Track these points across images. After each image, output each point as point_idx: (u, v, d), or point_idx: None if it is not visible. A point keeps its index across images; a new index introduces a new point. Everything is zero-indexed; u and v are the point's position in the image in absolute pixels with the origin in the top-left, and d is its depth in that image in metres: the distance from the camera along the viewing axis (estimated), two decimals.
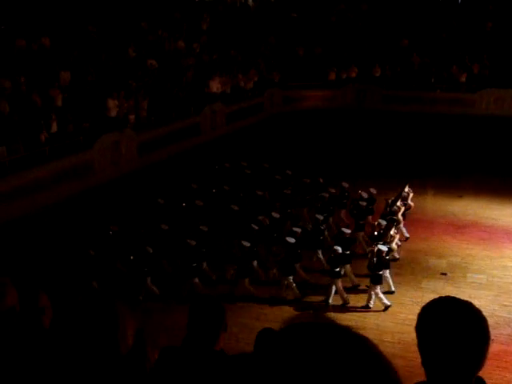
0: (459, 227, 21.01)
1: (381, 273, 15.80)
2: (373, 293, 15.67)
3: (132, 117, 22.01)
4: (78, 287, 15.48)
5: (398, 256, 18.59)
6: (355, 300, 15.92)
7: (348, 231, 17.45)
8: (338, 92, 31.30)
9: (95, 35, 25.19)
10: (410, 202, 21.01)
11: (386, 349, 13.20)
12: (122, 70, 23.97)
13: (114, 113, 21.04)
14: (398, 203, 19.94)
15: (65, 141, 19.08)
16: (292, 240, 16.63)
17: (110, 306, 2.83)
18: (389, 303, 15.55)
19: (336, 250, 16.01)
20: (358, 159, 27.82)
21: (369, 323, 14.38)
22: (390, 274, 16.41)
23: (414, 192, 21.64)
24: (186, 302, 4.94)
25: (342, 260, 16.20)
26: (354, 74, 31.42)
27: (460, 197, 24.05)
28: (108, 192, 19.80)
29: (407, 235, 20.20)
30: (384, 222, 18.15)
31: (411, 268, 17.81)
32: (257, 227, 17.96)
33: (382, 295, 15.65)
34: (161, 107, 23.45)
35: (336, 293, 15.93)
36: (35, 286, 4.14)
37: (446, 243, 19.67)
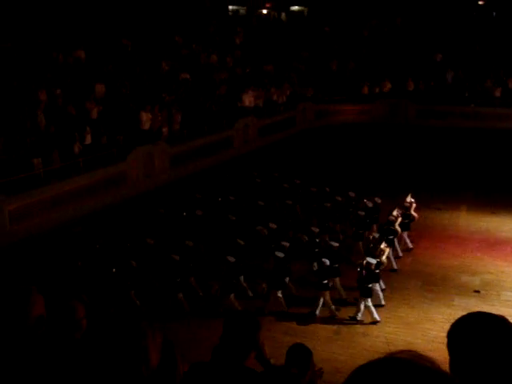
0: (493, 244, 20.70)
1: (370, 286, 15.76)
2: (362, 306, 15.61)
3: (165, 129, 22.18)
4: (112, 298, 15.60)
5: (395, 267, 18.56)
6: (389, 314, 15.75)
7: (336, 244, 17.36)
8: (370, 106, 31.18)
9: (130, 49, 25.52)
10: (412, 212, 20.77)
11: None
12: (156, 84, 24.21)
13: (147, 126, 21.23)
14: (395, 213, 19.81)
15: (99, 153, 19.30)
16: (281, 254, 16.53)
17: (135, 328, 2.85)
18: (378, 319, 15.48)
19: (324, 263, 16.01)
20: (391, 174, 27.62)
21: (399, 340, 14.21)
22: (379, 287, 16.41)
23: (446, 208, 21.44)
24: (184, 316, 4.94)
25: (330, 273, 16.20)
26: (387, 89, 31.30)
27: (493, 213, 23.69)
28: (141, 204, 19.94)
29: (410, 246, 20.20)
30: (377, 235, 18.19)
31: (443, 285, 17.58)
32: (243, 242, 17.77)
33: (372, 309, 15.59)
34: (194, 120, 23.59)
35: (323, 305, 15.91)
36: (73, 296, 4.17)
37: (479, 260, 19.38)
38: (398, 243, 19.83)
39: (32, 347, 2.99)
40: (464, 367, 2.00)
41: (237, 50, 31.05)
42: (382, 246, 17.27)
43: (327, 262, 16.08)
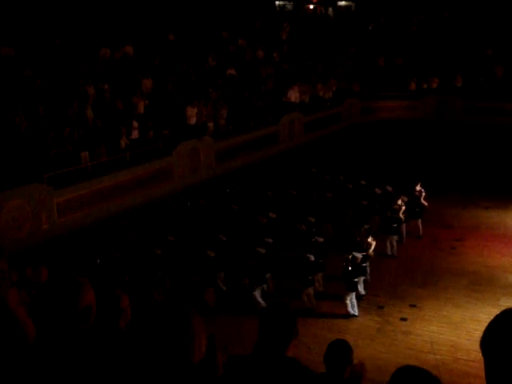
0: None
1: (356, 280, 15.76)
2: (348, 300, 15.63)
3: (211, 124, 22.29)
4: (153, 290, 15.78)
5: (395, 254, 19.39)
6: (433, 313, 15.58)
7: (321, 239, 17.25)
8: (418, 102, 30.79)
9: (175, 44, 25.72)
10: (422, 201, 21.25)
11: (461, 367, 12.91)
12: (202, 79, 24.34)
13: (193, 120, 21.37)
14: (399, 202, 20.10)
15: (145, 147, 19.50)
16: (262, 250, 16.48)
17: (185, 314, 2.86)
18: (357, 314, 15.54)
19: (308, 258, 15.89)
20: (437, 171, 27.25)
21: (444, 339, 14.06)
22: (365, 278, 16.82)
23: (494, 206, 21.11)
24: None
25: (314, 268, 16.13)
26: (435, 85, 30.86)
27: None
28: (186, 198, 20.10)
29: (421, 234, 20.95)
30: (368, 226, 18.39)
31: (490, 284, 17.32)
32: (224, 238, 17.70)
33: (355, 304, 15.69)
34: (239, 116, 23.65)
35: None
36: (117, 287, 4.24)
37: None
38: (409, 230, 20.79)
39: (79, 338, 3.04)
40: (499, 371, 1.85)
41: (283, 45, 30.99)
42: (369, 239, 17.20)
43: (312, 257, 16.00)
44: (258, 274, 16.27)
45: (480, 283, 17.37)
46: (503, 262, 18.85)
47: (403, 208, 19.95)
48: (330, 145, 27.57)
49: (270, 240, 17.48)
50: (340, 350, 5.61)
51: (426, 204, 21.27)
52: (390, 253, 19.57)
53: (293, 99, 26.70)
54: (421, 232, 21.07)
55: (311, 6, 39.62)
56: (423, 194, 21.38)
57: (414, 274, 18.02)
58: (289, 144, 25.94)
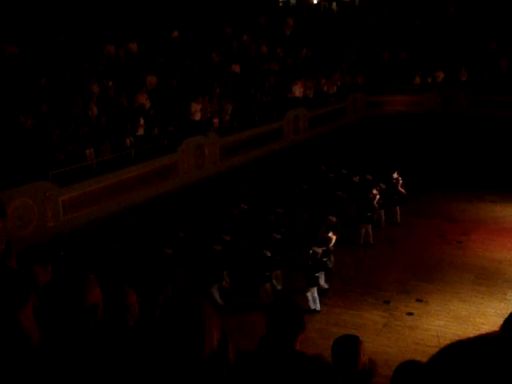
0: None
1: (317, 275, 15.78)
2: (309, 295, 15.65)
3: (216, 120, 22.28)
4: (159, 287, 15.77)
5: (372, 242, 19.87)
6: (440, 308, 15.55)
7: (278, 236, 17.14)
8: (422, 97, 30.73)
9: (178, 41, 25.70)
10: (400, 188, 22.00)
11: None
12: (207, 75, 24.32)
13: (197, 116, 21.36)
14: (374, 191, 20.49)
15: (150, 144, 19.50)
16: (218, 247, 16.40)
17: (196, 307, 2.85)
18: (318, 309, 15.56)
19: (264, 254, 15.85)
20: (442, 165, 27.20)
21: (449, 334, 14.04)
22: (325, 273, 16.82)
23: (500, 200, 21.08)
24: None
25: (271, 264, 16.10)
26: (439, 79, 30.78)
27: None
28: (191, 194, 20.10)
29: (399, 221, 21.84)
30: (334, 219, 18.47)
31: (496, 278, 17.29)
32: (183, 234, 17.53)
33: (317, 299, 15.71)
34: (244, 111, 23.63)
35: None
36: (123, 284, 4.22)
37: None
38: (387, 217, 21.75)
39: (85, 335, 3.03)
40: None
41: (287, 40, 30.93)
42: (330, 234, 17.12)
43: (268, 253, 15.96)
44: (214, 271, 16.14)
45: (486, 277, 17.34)
46: (510, 256, 18.81)
47: (377, 197, 20.43)
48: (335, 140, 27.52)
49: (228, 237, 17.26)
50: (347, 345, 5.60)
51: (403, 191, 21.95)
52: (362, 241, 20.08)
53: (297, 94, 26.67)
54: (399, 219, 21.97)
55: (315, 1, 39.50)
56: (400, 181, 22.06)
57: (421, 269, 17.99)
58: (294, 139, 25.91)
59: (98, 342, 3.10)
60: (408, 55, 32.18)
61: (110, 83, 20.73)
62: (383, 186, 21.65)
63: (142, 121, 19.63)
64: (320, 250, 16.11)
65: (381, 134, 29.14)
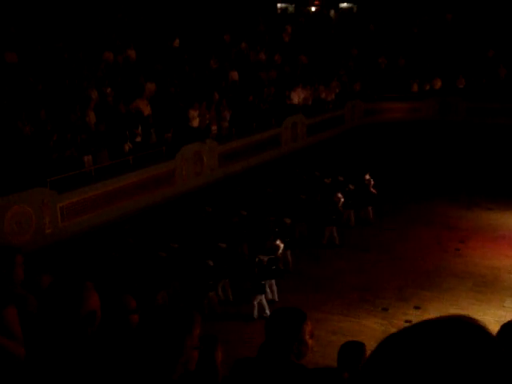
0: None
1: (263, 282, 15.76)
2: (255, 303, 15.65)
3: (214, 127, 22.30)
4: (157, 293, 15.75)
5: (337, 242, 20.46)
6: (438, 315, 15.53)
7: (223, 245, 17.08)
8: (420, 104, 30.79)
9: (178, 47, 25.77)
10: (371, 189, 22.63)
11: None
12: (205, 82, 24.36)
13: (195, 123, 21.38)
14: (339, 194, 20.89)
15: (148, 151, 19.51)
16: (163, 254, 16.25)
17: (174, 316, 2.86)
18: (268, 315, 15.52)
19: (207, 263, 15.83)
20: (440, 172, 27.23)
21: None
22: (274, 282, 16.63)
23: (497, 208, 21.09)
24: None
25: (215, 274, 16.06)
26: (437, 86, 30.86)
27: None
28: (189, 201, 20.09)
29: (372, 221, 22.48)
30: (289, 221, 18.91)
31: (494, 286, 17.27)
32: (132, 240, 17.27)
33: (265, 304, 15.69)
34: (242, 118, 23.66)
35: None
36: (123, 290, 4.21)
37: None
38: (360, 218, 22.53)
39: (82, 342, 3.03)
40: None
41: (285, 47, 31.01)
42: (277, 242, 17.00)
43: (211, 262, 15.94)
44: (161, 278, 15.98)
45: (485, 285, 17.32)
46: (508, 264, 18.79)
47: (342, 200, 20.82)
48: (333, 147, 27.55)
49: (176, 245, 17.11)
50: (353, 352, 5.61)
51: (375, 192, 22.56)
52: (325, 242, 20.54)
53: (295, 101, 26.72)
54: (371, 218, 22.61)
55: (313, 8, 39.64)
56: (372, 182, 22.68)
57: (419, 276, 17.97)
58: (292, 146, 25.94)
59: (95, 347, 3.10)
60: (406, 62, 32.26)
61: (109, 90, 20.76)
62: (352, 186, 22.51)
63: (139, 128, 19.64)
64: (266, 258, 16.13)
65: (379, 141, 29.17)
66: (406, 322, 15.29)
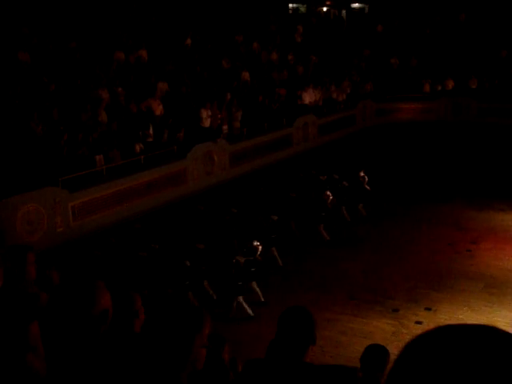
0: None
1: (241, 283, 15.76)
2: (234, 304, 15.69)
3: (225, 127, 22.32)
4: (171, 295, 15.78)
5: (327, 238, 20.92)
6: (449, 317, 15.50)
7: (202, 246, 17.05)
8: (432, 104, 30.68)
9: (190, 47, 25.79)
10: (366, 186, 23.35)
11: None
12: (217, 82, 24.37)
13: (207, 123, 21.40)
14: (328, 192, 21.28)
15: (159, 150, 19.55)
16: (144, 254, 16.32)
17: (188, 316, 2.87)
18: (252, 314, 15.62)
19: (184, 264, 15.85)
20: (452, 173, 27.12)
21: None
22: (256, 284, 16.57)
23: (510, 209, 21.00)
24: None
25: (193, 275, 16.09)
26: (450, 86, 30.74)
27: None
28: (200, 201, 20.10)
29: (364, 214, 23.28)
30: (276, 217, 19.13)
31: (505, 287, 17.18)
32: (114, 240, 17.16)
33: (245, 305, 15.71)
34: (254, 118, 23.66)
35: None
36: (130, 289, 4.22)
37: None
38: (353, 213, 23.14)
39: (95, 340, 3.04)
40: None
41: (297, 48, 30.98)
42: (255, 243, 16.93)
43: (188, 263, 15.96)
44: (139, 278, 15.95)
45: (496, 286, 17.24)
46: None
47: (331, 198, 21.18)
48: (344, 147, 27.51)
49: (156, 245, 17.12)
50: (378, 355, 5.65)
51: (369, 188, 23.38)
52: (319, 240, 20.97)
53: (307, 102, 26.69)
54: (364, 214, 23.37)
55: (324, 9, 39.61)
56: (366, 179, 23.37)
57: (430, 277, 17.92)
58: (303, 146, 25.92)
59: (107, 346, 3.11)
60: (418, 63, 32.15)
61: (120, 89, 20.81)
62: (346, 183, 23.20)
63: (151, 129, 19.68)
64: (242, 260, 16.12)
65: (390, 141, 29.10)
66: (417, 323, 15.25)
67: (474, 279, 17.77)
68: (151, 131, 19.76)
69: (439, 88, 30.92)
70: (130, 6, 26.61)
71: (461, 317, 15.45)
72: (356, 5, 40.81)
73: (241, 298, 15.90)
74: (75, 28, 22.79)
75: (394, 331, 14.96)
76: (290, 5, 39.27)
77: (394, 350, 14.21)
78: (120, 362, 3.12)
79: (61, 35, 22.06)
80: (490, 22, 32.63)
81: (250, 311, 15.77)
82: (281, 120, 24.87)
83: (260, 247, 17.07)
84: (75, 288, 3.09)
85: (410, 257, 19.40)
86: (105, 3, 25.17)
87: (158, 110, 20.76)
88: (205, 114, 21.31)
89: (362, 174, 23.54)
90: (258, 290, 16.64)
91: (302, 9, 39.90)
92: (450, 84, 30.74)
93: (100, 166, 17.64)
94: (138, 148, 18.97)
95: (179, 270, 16.00)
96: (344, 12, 40.05)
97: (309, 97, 26.82)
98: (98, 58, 21.85)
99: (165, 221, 18.54)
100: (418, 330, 14.84)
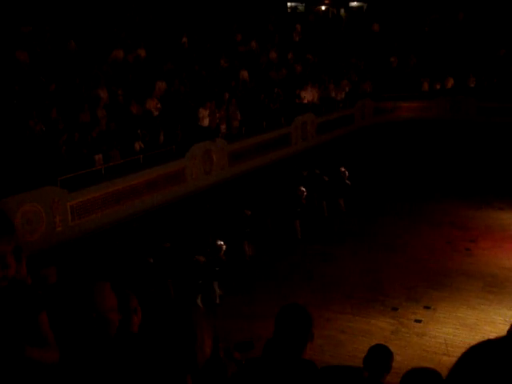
0: None
1: (201, 282, 15.88)
2: (199, 301, 15.85)
3: (223, 126, 22.31)
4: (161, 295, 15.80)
5: (299, 236, 21.35)
6: (448, 315, 15.50)
7: (168, 244, 17.00)
8: (431, 103, 30.68)
9: (188, 46, 25.77)
10: (347, 181, 23.97)
11: None
12: (215, 81, 24.36)
13: (205, 122, 21.38)
14: (302, 188, 21.52)
15: (158, 149, 19.53)
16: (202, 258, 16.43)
17: (187, 316, 2.86)
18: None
19: (148, 260, 15.90)
20: (451, 171, 27.14)
21: (458, 341, 13.99)
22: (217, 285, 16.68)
23: (508, 207, 21.01)
24: None
25: (158, 272, 16.13)
26: (448, 85, 30.74)
27: None
28: (199, 200, 20.10)
29: (344, 210, 23.97)
30: (249, 212, 19.46)
31: (505, 286, 17.19)
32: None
33: (201, 305, 15.78)
34: (252, 117, 23.65)
35: None
36: (127, 289, 4.21)
37: None
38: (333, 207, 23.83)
39: (105, 342, 3.03)
40: None
41: (295, 46, 30.96)
42: (218, 242, 16.83)
43: (151, 259, 15.95)
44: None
45: (495, 285, 17.25)
46: None
47: (305, 194, 21.46)
48: (343, 146, 27.51)
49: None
50: (381, 355, 5.66)
51: (349, 183, 23.96)
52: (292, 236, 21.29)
53: (305, 101, 26.68)
54: (343, 208, 24.03)
55: (323, 7, 39.60)
56: (347, 174, 23.95)
57: (429, 276, 17.93)
58: (302, 145, 25.91)
59: (115, 347, 3.11)
60: (417, 61, 32.15)
61: (119, 89, 20.78)
62: (326, 178, 23.70)
63: (148, 129, 19.67)
64: (203, 259, 16.08)
65: (389, 140, 29.11)
66: (416, 321, 15.27)
67: (473, 278, 17.78)
68: (148, 132, 19.74)
69: (438, 87, 30.91)
70: (129, 6, 26.59)
71: (460, 315, 15.47)
72: (354, 3, 40.81)
73: (199, 298, 15.92)
74: (73, 27, 22.76)
75: (394, 330, 14.97)
76: (289, 4, 39.26)
77: (393, 349, 14.19)
78: (120, 363, 3.11)
79: (59, 34, 22.04)
80: (488, 21, 32.64)
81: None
82: (279, 119, 24.86)
83: (224, 247, 16.88)
84: (81, 290, 3.09)
85: (410, 255, 19.40)
86: (103, 2, 25.15)
87: (156, 109, 20.73)
88: (203, 113, 21.29)
89: (342, 169, 24.07)
90: (217, 290, 16.61)
91: (301, 8, 39.91)
92: (449, 83, 30.74)
93: (99, 165, 17.62)
94: (137, 146, 18.96)
95: (143, 267, 16.02)
96: (342, 11, 40.05)
97: (307, 95, 26.81)
98: (97, 57, 21.82)
99: (164, 220, 18.55)
100: (417, 328, 14.90)
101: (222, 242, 16.94)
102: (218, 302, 16.52)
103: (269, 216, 21.53)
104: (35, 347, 3.27)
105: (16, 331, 3.26)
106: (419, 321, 15.30)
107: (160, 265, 16.16)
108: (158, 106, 20.80)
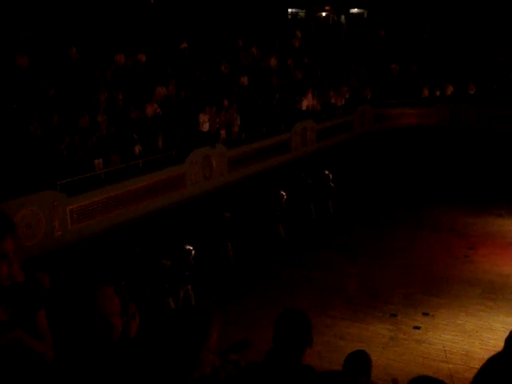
0: None
1: (168, 286, 15.77)
2: (172, 303, 15.77)
3: (223, 132, 22.32)
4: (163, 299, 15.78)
5: (284, 238, 21.54)
6: (447, 322, 15.48)
7: (137, 249, 16.86)
8: (431, 110, 30.72)
9: (189, 52, 25.82)
10: (330, 183, 24.31)
11: None
12: (215, 86, 24.39)
13: (205, 127, 21.40)
14: (282, 192, 21.61)
15: (158, 154, 19.55)
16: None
17: (201, 318, 2.85)
18: None
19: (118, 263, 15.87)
20: (450, 178, 27.16)
21: (456, 348, 13.96)
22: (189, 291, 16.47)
23: (510, 215, 21.04)
24: None
25: (124, 276, 15.94)
26: (448, 92, 30.79)
27: None
28: (198, 206, 20.10)
29: (332, 211, 24.30)
30: (228, 214, 19.41)
31: (503, 293, 17.17)
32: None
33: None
34: (252, 123, 23.67)
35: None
36: (125, 293, 4.20)
37: None
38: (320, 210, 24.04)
39: (109, 346, 3.03)
40: None
41: (296, 53, 31.02)
42: (187, 247, 16.59)
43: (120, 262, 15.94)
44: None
45: (494, 292, 17.23)
46: None
47: (285, 197, 21.57)
48: (342, 152, 27.53)
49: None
50: (359, 361, 5.62)
51: (333, 186, 24.29)
52: (271, 237, 21.48)
53: (305, 107, 26.72)
54: (331, 210, 24.34)
55: (323, 14, 39.68)
56: (330, 177, 24.30)
57: (427, 283, 17.91)
58: (301, 151, 25.93)
59: (115, 352, 3.10)
60: (417, 68, 32.20)
61: (119, 93, 20.81)
62: (310, 181, 23.97)
63: (147, 134, 19.71)
64: (168, 262, 16.07)
65: (389, 146, 29.12)
66: (415, 328, 15.25)
67: (471, 284, 17.76)
68: (147, 136, 19.77)
69: (438, 93, 30.97)
70: (129, 11, 26.65)
71: (459, 322, 15.45)
72: (355, 10, 40.89)
73: (170, 300, 15.88)
74: (74, 32, 22.80)
75: (392, 336, 14.95)
76: (289, 10, 39.34)
77: (391, 355, 14.26)
78: (117, 368, 3.11)
79: (59, 39, 22.08)
80: (487, 28, 32.72)
81: None
82: (279, 125, 24.88)
83: (193, 252, 16.64)
84: (85, 294, 3.08)
85: (408, 262, 19.39)
86: (103, 7, 25.20)
87: (156, 114, 20.75)
88: (203, 118, 21.31)
89: (326, 172, 24.39)
90: (191, 293, 16.50)
91: (301, 14, 39.99)
92: (449, 89, 30.80)
93: (98, 169, 17.62)
94: (137, 150, 18.97)
95: (114, 270, 15.95)
96: (343, 17, 40.13)
97: (307, 102, 26.85)
98: (97, 62, 21.86)
99: (163, 225, 18.54)
100: (416, 335, 14.88)
101: (191, 247, 16.66)
102: (193, 303, 16.50)
103: (248, 219, 21.46)
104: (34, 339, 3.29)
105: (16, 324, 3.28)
106: (418, 327, 15.27)
107: (130, 268, 16.12)
108: (158, 110, 20.83)
